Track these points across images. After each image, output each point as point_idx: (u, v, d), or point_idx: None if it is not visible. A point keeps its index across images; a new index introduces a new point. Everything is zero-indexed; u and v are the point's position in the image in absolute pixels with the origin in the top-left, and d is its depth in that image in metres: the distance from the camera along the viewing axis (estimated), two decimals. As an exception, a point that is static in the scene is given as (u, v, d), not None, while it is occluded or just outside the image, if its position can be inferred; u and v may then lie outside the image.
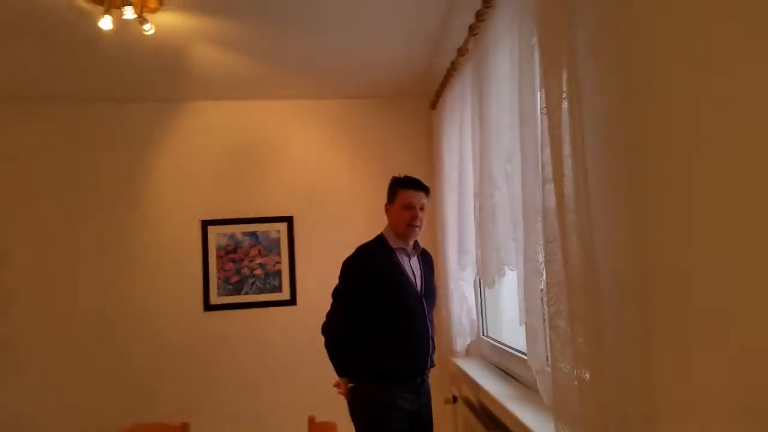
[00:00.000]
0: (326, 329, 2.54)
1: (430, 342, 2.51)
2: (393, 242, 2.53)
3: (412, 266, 2.55)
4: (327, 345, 2.52)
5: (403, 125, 3.95)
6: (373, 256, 2.51)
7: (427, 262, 2.69)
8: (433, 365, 2.60)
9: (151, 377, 3.65)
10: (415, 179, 2.55)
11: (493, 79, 2.05)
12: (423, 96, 3.91)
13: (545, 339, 1.72)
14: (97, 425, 2.75)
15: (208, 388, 3.68)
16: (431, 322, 2.54)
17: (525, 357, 2.17)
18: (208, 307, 3.75)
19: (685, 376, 1.10)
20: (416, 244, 2.62)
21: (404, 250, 2.55)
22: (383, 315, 2.44)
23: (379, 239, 2.56)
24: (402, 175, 2.59)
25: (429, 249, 2.87)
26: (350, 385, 2.52)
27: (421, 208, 2.50)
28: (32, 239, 3.65)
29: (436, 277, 2.80)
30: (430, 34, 2.97)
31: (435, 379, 3.63)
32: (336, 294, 2.54)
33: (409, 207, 2.48)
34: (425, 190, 2.54)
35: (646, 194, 1.20)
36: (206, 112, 3.85)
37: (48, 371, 3.58)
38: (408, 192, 2.49)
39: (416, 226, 2.49)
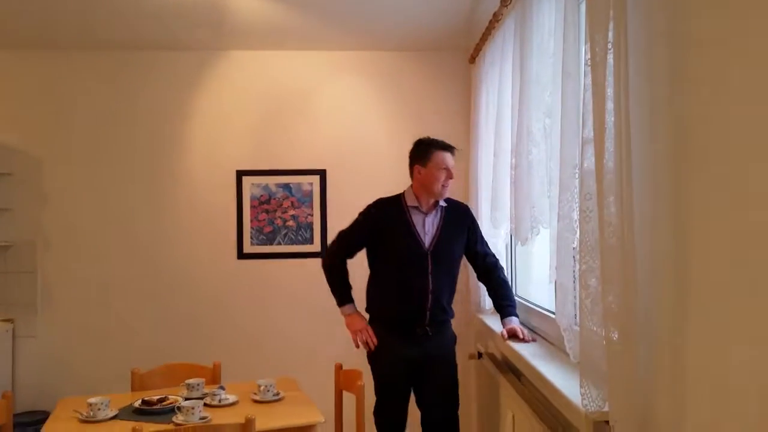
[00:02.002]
0: (322, 260, 2.81)
1: (430, 297, 2.57)
2: (410, 200, 2.66)
3: (426, 224, 2.63)
4: (324, 271, 2.74)
5: (440, 79, 3.88)
6: (385, 208, 2.67)
7: (453, 218, 2.69)
8: (444, 321, 2.66)
9: (186, 321, 3.76)
10: (447, 142, 2.63)
11: (536, 31, 1.99)
12: (461, 50, 3.81)
13: (575, 297, 1.71)
14: (130, 365, 2.86)
15: (239, 333, 3.78)
16: (436, 278, 2.59)
17: (553, 316, 2.17)
18: (242, 255, 3.82)
19: (717, 341, 1.08)
20: (437, 203, 2.66)
21: (418, 208, 2.64)
22: (382, 264, 2.67)
23: (397, 196, 2.71)
24: (430, 137, 2.67)
25: (461, 206, 2.86)
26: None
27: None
28: (71, 186, 3.74)
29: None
30: (473, -15, 2.88)
31: (460, 334, 3.67)
32: (341, 231, 2.75)
33: (445, 168, 2.57)
34: (454, 152, 2.64)
35: (690, 155, 1.16)
36: (243, 61, 3.83)
37: (85, 313, 3.72)
38: (445, 154, 2.59)
39: (447, 187, 2.60)
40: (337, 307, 2.73)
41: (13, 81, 3.73)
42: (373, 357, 2.68)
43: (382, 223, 2.64)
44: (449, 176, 2.57)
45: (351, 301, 2.71)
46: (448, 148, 2.61)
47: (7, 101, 3.73)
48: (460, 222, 2.70)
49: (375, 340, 2.60)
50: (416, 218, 2.63)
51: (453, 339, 2.73)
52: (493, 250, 2.95)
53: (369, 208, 2.71)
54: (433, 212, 2.66)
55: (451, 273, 2.68)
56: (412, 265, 2.59)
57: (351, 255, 2.74)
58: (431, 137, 2.67)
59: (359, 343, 2.66)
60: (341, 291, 2.71)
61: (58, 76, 3.75)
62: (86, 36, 3.54)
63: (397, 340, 2.59)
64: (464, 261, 2.82)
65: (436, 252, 2.60)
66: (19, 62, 3.73)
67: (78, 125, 3.75)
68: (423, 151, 2.62)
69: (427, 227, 2.63)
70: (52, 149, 3.74)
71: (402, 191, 2.73)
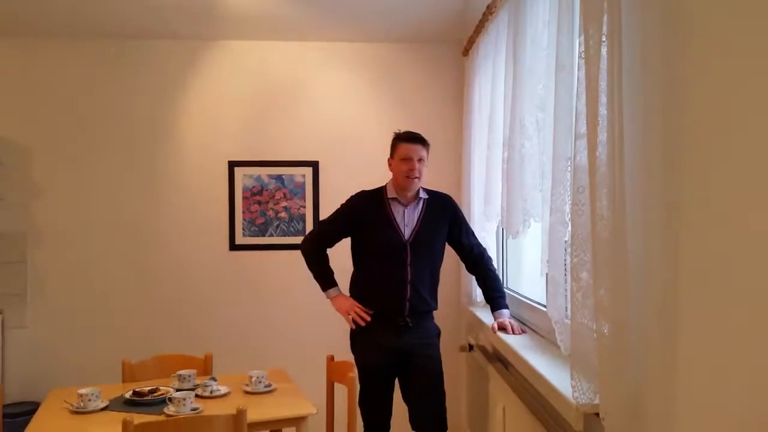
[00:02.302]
0: (301, 243, 2.84)
1: (408, 287, 2.59)
2: (390, 193, 2.69)
3: (406, 216, 2.66)
4: (303, 255, 2.77)
5: (434, 72, 3.87)
6: (366, 199, 2.72)
7: (434, 210, 2.69)
8: (425, 312, 2.67)
9: (177, 312, 3.75)
10: (413, 132, 2.66)
11: (530, 23, 1.98)
12: (455, 42, 3.81)
13: (566, 291, 1.71)
14: (121, 356, 2.85)
15: (230, 325, 3.78)
16: (415, 270, 2.61)
17: (544, 309, 2.18)
18: (234, 246, 3.81)
19: (708, 335, 1.09)
20: (417, 195, 2.68)
21: (398, 200, 2.66)
22: (363, 256, 2.71)
23: (379, 188, 2.74)
24: (402, 130, 2.69)
25: (455, 198, 2.85)
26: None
27: (420, 160, 2.61)
28: (62, 176, 3.71)
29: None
30: (467, -24, 2.87)
31: (450, 327, 3.69)
32: (321, 220, 2.81)
33: (407, 159, 2.59)
34: (423, 142, 2.64)
35: (683, 149, 1.16)
36: (235, 51, 3.81)
37: (75, 304, 3.70)
38: (405, 145, 2.62)
39: (414, 177, 2.60)
40: (326, 298, 2.74)
41: (1, 70, 3.69)
42: (354, 345, 2.71)
43: (363, 214, 2.68)
44: (411, 167, 2.57)
45: (335, 284, 2.73)
46: (410, 139, 2.62)
47: (-3, 90, 3.69)
48: (441, 213, 2.71)
49: (366, 316, 2.61)
50: (396, 210, 2.66)
51: (436, 331, 2.73)
52: (485, 243, 2.95)
53: (350, 198, 2.76)
54: (414, 204, 2.68)
55: (432, 264, 2.69)
56: (391, 256, 2.61)
57: (330, 243, 2.77)
58: (404, 130, 2.69)
59: (352, 322, 2.65)
60: (323, 275, 2.73)
61: (48, 65, 3.71)
62: (77, 24, 3.50)
63: (378, 330, 2.61)
64: (455, 254, 2.83)
65: (416, 243, 2.62)
66: (8, 50, 3.69)
67: (68, 115, 3.72)
68: (392, 145, 2.68)
69: (407, 219, 2.65)
70: (42, 139, 3.70)
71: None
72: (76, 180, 3.72)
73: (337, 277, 2.76)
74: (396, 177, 2.66)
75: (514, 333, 2.39)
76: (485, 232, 3.01)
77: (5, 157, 3.65)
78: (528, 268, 2.85)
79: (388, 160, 2.70)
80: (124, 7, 3.25)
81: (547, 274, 1.79)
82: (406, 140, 2.62)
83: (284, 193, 3.83)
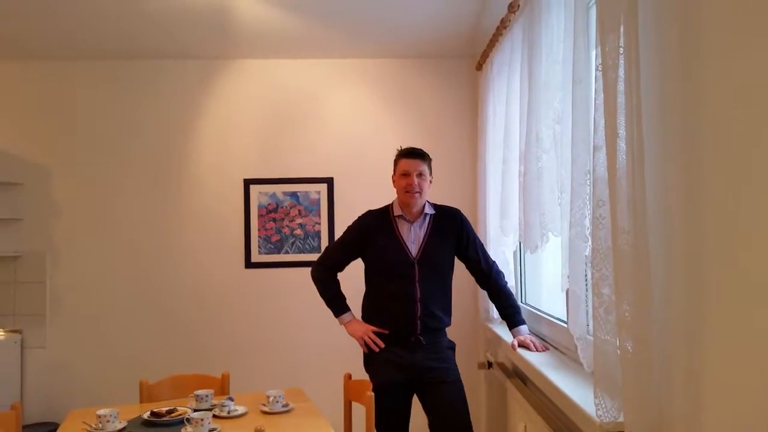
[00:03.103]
0: (311, 269, 2.79)
1: (419, 305, 2.56)
2: (396, 210, 2.67)
3: (412, 233, 2.63)
4: (314, 281, 2.76)
5: (447, 87, 3.87)
6: (371, 219, 2.70)
7: (441, 225, 2.67)
8: (438, 329, 2.62)
9: (193, 331, 3.76)
10: (413, 148, 2.65)
11: (545, 36, 1.97)
12: (468, 57, 3.81)
13: (587, 306, 1.68)
14: (138, 376, 2.85)
15: (247, 343, 3.77)
16: (424, 287, 2.58)
17: (564, 325, 2.14)
18: (249, 264, 3.81)
19: (734, 350, 1.05)
20: (423, 211, 2.66)
21: (404, 217, 2.64)
22: (373, 275, 2.70)
23: (386, 207, 2.73)
24: (404, 147, 2.68)
25: (469, 215, 2.82)
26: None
27: (419, 175, 2.58)
28: (81, 195, 3.75)
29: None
30: (479, -8, 2.87)
31: (468, 343, 3.65)
32: (330, 243, 2.76)
33: (405, 174, 2.58)
34: (423, 157, 2.62)
35: (704, 160, 1.14)
36: (249, 70, 3.84)
37: (93, 323, 3.72)
38: (404, 160, 2.61)
39: (414, 192, 2.57)
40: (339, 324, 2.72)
41: (22, 91, 3.76)
42: (368, 365, 2.68)
43: (370, 234, 2.66)
44: (410, 182, 2.55)
45: (347, 309, 2.71)
46: (409, 154, 2.61)
47: (17, 112, 3.75)
48: (448, 227, 2.68)
49: (380, 342, 2.58)
50: (402, 227, 2.64)
51: (449, 344, 2.69)
52: (503, 258, 2.92)
53: (357, 220, 2.74)
54: (420, 220, 2.65)
55: (443, 281, 2.66)
56: (399, 275, 2.59)
57: (340, 267, 2.74)
58: (406, 146, 2.68)
59: (366, 346, 2.63)
60: (335, 301, 2.71)
61: (67, 86, 3.78)
62: (95, 46, 3.56)
63: (391, 348, 2.59)
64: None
65: (423, 260, 2.60)
66: (28, 73, 3.76)
67: (87, 135, 3.77)
68: (394, 161, 2.68)
69: (413, 236, 2.63)
70: (61, 159, 3.75)
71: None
72: (94, 200, 3.76)
73: (349, 299, 2.73)
74: (397, 193, 2.65)
75: (537, 350, 2.34)
76: (504, 247, 2.98)
77: (25, 177, 3.71)
78: (547, 282, 2.81)
79: (392, 176, 2.69)
80: (140, 29, 3.30)
81: (567, 290, 1.75)
82: (405, 155, 2.62)
83: (299, 210, 3.84)
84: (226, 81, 3.84)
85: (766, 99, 0.96)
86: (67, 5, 2.94)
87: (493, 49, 3.02)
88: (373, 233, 2.66)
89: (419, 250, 2.61)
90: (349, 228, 2.75)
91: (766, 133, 0.96)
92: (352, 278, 2.78)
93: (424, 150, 2.65)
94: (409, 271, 2.59)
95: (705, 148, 1.13)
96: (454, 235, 2.68)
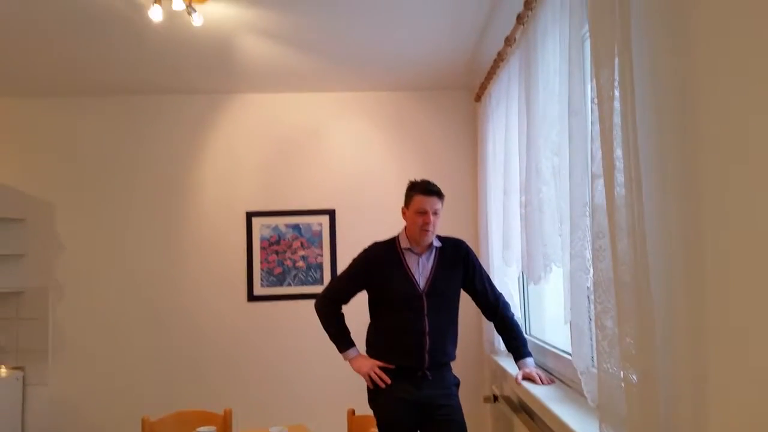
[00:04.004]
0: (315, 302, 2.73)
1: (427, 338, 2.52)
2: (404, 243, 2.64)
3: (420, 265, 2.62)
4: (317, 314, 2.69)
5: (447, 118, 3.91)
6: (378, 251, 2.67)
7: (447, 257, 2.65)
8: (445, 364, 2.60)
9: (196, 366, 3.72)
10: (430, 184, 2.60)
11: (541, 69, 1.99)
12: (467, 88, 3.86)
13: (591, 339, 1.66)
14: (141, 413, 2.82)
15: (250, 378, 3.73)
16: (433, 320, 2.54)
17: (569, 357, 2.11)
18: (252, 297, 3.80)
19: (739, 382, 1.04)
20: (430, 244, 2.64)
21: (411, 250, 2.63)
22: (379, 308, 2.65)
23: (393, 239, 2.70)
24: (419, 180, 2.65)
25: (472, 246, 2.82)
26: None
27: (434, 213, 2.57)
28: (84, 231, 3.77)
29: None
30: (476, 26, 2.91)
31: (473, 376, 3.61)
32: (335, 276, 2.60)
33: (422, 212, 2.55)
34: (438, 194, 2.60)
35: (702, 189, 1.14)
36: (251, 104, 3.89)
37: (96, 360, 3.70)
38: (421, 197, 2.57)
39: (428, 231, 2.56)
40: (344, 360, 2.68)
41: (25, 127, 3.81)
42: (373, 400, 2.62)
43: (377, 267, 2.62)
44: (426, 220, 2.54)
45: (352, 344, 2.66)
46: (427, 191, 2.57)
47: (20, 148, 3.79)
48: (454, 259, 2.66)
49: (387, 378, 2.55)
50: (410, 260, 2.61)
51: (455, 381, 2.65)
52: (506, 289, 2.90)
53: (363, 252, 2.71)
54: (427, 253, 2.64)
55: (450, 314, 2.63)
56: (407, 308, 2.55)
57: (345, 300, 2.70)
58: (420, 180, 2.64)
59: (371, 382, 2.60)
60: (340, 336, 2.66)
61: (69, 122, 3.82)
62: (98, 81, 3.61)
63: (397, 383, 2.54)
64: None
65: (431, 293, 2.57)
66: (31, 109, 3.81)
67: (90, 170, 3.80)
68: (407, 195, 2.64)
69: (421, 268, 2.61)
70: (64, 194, 3.78)
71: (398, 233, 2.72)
72: (97, 235, 3.77)
73: (352, 331, 2.71)
74: (410, 228, 2.61)
75: (542, 383, 2.31)
76: (507, 278, 2.96)
77: (28, 213, 3.73)
78: (551, 314, 2.78)
79: (402, 209, 2.66)
80: (144, 65, 3.35)
81: (570, 322, 1.74)
82: (423, 192, 2.57)
83: (301, 242, 3.84)
84: (229, 115, 3.88)
85: (761, 126, 0.97)
86: (70, 42, 2.99)
87: (491, 82, 3.05)
88: (381, 265, 2.62)
89: (427, 282, 2.59)
90: (355, 260, 2.71)
91: (764, 160, 0.96)
92: (356, 311, 2.76)
93: (437, 185, 2.62)
94: (418, 304, 2.55)
95: (703, 177, 1.13)
96: (461, 266, 2.66)
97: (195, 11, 2.52)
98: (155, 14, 2.49)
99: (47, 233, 3.75)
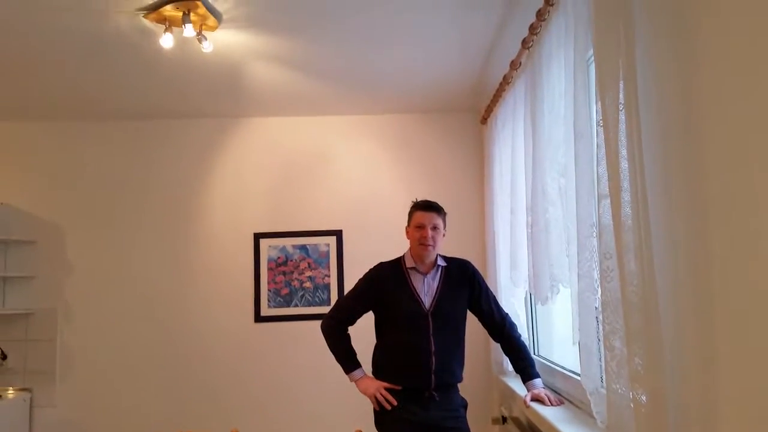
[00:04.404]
0: (321, 322, 2.73)
1: (433, 358, 2.52)
2: (409, 262, 2.66)
3: (425, 285, 2.62)
4: (323, 335, 2.69)
5: (453, 140, 3.94)
6: (384, 271, 2.68)
7: (453, 277, 2.66)
8: (452, 384, 2.59)
9: (204, 388, 3.72)
10: (429, 201, 2.65)
11: (547, 92, 2.02)
12: (473, 111, 3.89)
13: (600, 359, 1.66)
14: (149, 432, 2.82)
15: (257, 399, 3.72)
16: (439, 340, 2.54)
17: (578, 377, 2.11)
18: (259, 318, 3.81)
19: (748, 402, 1.04)
20: (435, 263, 2.65)
21: (416, 269, 2.64)
22: (385, 328, 2.65)
23: (398, 259, 2.72)
24: (419, 199, 2.70)
25: (479, 266, 2.82)
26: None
27: (434, 228, 2.59)
28: (93, 254, 3.80)
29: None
30: (482, 49, 2.96)
31: (482, 397, 3.59)
32: (341, 297, 2.62)
33: (420, 227, 2.59)
34: (438, 211, 2.63)
35: (708, 210, 1.15)
36: (259, 127, 3.94)
37: (104, 381, 3.71)
38: (420, 213, 2.62)
39: (427, 245, 2.58)
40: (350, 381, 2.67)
41: (36, 151, 3.86)
42: (380, 422, 2.61)
43: (383, 287, 2.63)
44: (424, 234, 2.56)
45: (358, 365, 2.65)
46: (425, 207, 2.61)
47: (32, 171, 3.84)
48: (460, 279, 2.67)
49: (393, 400, 2.54)
50: (416, 279, 2.62)
51: (462, 402, 2.63)
52: (514, 309, 2.89)
53: (369, 272, 2.72)
54: (432, 272, 2.64)
55: (456, 334, 2.62)
56: (413, 328, 2.55)
57: (351, 321, 2.69)
58: (421, 199, 2.70)
59: (377, 403, 2.59)
60: (346, 357, 2.65)
61: (81, 146, 3.88)
62: (108, 107, 3.67)
63: (404, 405, 2.52)
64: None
65: (437, 313, 2.57)
66: (41, 133, 3.87)
67: (100, 193, 3.85)
68: (409, 213, 2.68)
69: (426, 288, 2.61)
70: (74, 217, 3.82)
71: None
72: (106, 257, 3.80)
73: (358, 352, 2.71)
74: (412, 245, 2.64)
75: (551, 404, 2.30)
76: (514, 299, 2.96)
77: (38, 235, 3.76)
78: (559, 334, 2.78)
79: (406, 228, 2.69)
80: (152, 91, 3.40)
81: (579, 343, 1.74)
82: (421, 208, 2.62)
83: (309, 263, 3.85)
84: (237, 138, 3.93)
85: (765, 144, 0.98)
86: (81, 69, 3.05)
87: (497, 104, 3.09)
88: (386, 285, 2.63)
89: (432, 302, 2.59)
90: (361, 280, 2.72)
91: None
92: (362, 332, 2.76)
93: (438, 203, 2.66)
94: (423, 323, 2.55)
95: (709, 197, 1.15)
96: (467, 287, 2.66)
97: (205, 39, 2.57)
98: (166, 42, 2.54)
99: (57, 255, 3.78)
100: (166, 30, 2.51)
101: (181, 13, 2.43)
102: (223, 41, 2.76)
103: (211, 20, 2.53)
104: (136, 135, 3.90)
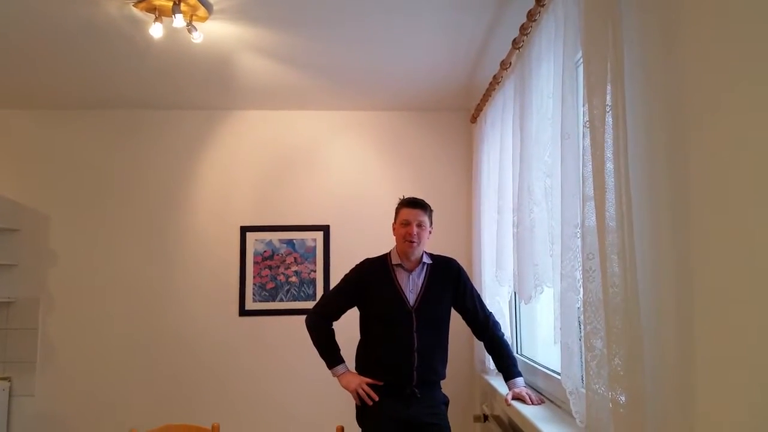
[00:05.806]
0: (306, 318, 2.75)
1: (416, 355, 2.53)
2: (394, 259, 2.68)
3: (410, 282, 2.64)
4: (308, 330, 2.71)
5: (442, 138, 3.95)
6: (369, 267, 2.70)
7: (438, 275, 2.67)
8: (434, 382, 2.60)
9: (186, 380, 3.70)
10: (415, 198, 2.68)
11: (535, 93, 2.03)
12: (463, 110, 3.90)
13: (580, 359, 1.68)
14: (129, 426, 2.79)
15: (239, 393, 3.71)
16: (422, 337, 2.56)
17: (559, 377, 2.12)
18: (244, 312, 3.79)
19: (726, 404, 1.05)
20: (420, 261, 2.66)
21: (402, 266, 2.65)
22: (369, 324, 2.67)
23: (384, 255, 2.74)
24: (405, 197, 2.73)
25: (465, 265, 2.83)
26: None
27: (419, 225, 2.61)
28: (77, 243, 3.76)
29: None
30: (472, 48, 2.96)
31: (464, 395, 3.60)
32: (326, 292, 2.63)
33: (405, 223, 2.61)
34: (423, 207, 2.65)
35: (690, 213, 1.17)
36: (249, 120, 3.92)
37: (84, 371, 3.67)
38: (405, 209, 2.64)
39: (412, 242, 2.59)
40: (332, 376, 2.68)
41: (21, 139, 3.82)
42: (361, 418, 2.63)
43: (367, 283, 2.65)
44: (409, 231, 2.57)
45: (341, 360, 2.66)
46: (410, 203, 2.64)
47: (16, 159, 3.80)
48: (445, 277, 2.68)
49: (374, 395, 2.55)
50: (401, 276, 2.64)
51: (444, 399, 2.65)
52: (498, 308, 2.91)
53: (354, 268, 2.73)
54: (418, 269, 2.66)
55: (440, 331, 2.64)
56: (397, 324, 2.57)
57: (336, 316, 2.71)
58: (408, 196, 2.72)
59: (359, 399, 2.60)
60: (329, 352, 2.67)
61: (66, 134, 3.84)
62: (96, 96, 3.63)
63: (385, 401, 2.54)
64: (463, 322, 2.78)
65: (421, 310, 2.58)
66: (27, 121, 3.83)
67: (85, 182, 3.81)
68: (396, 211, 2.70)
69: (411, 285, 2.63)
70: (58, 206, 3.78)
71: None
72: (90, 247, 3.76)
73: (342, 347, 2.71)
74: (397, 241, 2.66)
75: (532, 403, 2.32)
76: (499, 297, 2.98)
77: (22, 223, 3.72)
78: (542, 334, 2.80)
79: (392, 225, 2.71)
80: (142, 81, 3.37)
81: (560, 342, 1.75)
82: (407, 205, 2.64)
83: (295, 258, 3.84)
84: (226, 131, 3.91)
85: (750, 149, 1.00)
86: (69, 57, 3.01)
87: (486, 104, 3.10)
88: (371, 281, 2.65)
89: (417, 299, 2.60)
90: (347, 276, 2.74)
91: (754, 181, 0.99)
92: (346, 328, 2.76)
93: (425, 201, 2.68)
94: (407, 320, 2.57)
95: (693, 200, 1.16)
96: (452, 285, 2.68)
97: (195, 29, 2.55)
98: (156, 31, 2.52)
99: (41, 244, 3.74)
100: (156, 19, 2.49)
101: (171, 3, 2.41)
102: (213, 32, 2.74)
103: (202, 11, 2.51)
104: (123, 125, 3.87)
